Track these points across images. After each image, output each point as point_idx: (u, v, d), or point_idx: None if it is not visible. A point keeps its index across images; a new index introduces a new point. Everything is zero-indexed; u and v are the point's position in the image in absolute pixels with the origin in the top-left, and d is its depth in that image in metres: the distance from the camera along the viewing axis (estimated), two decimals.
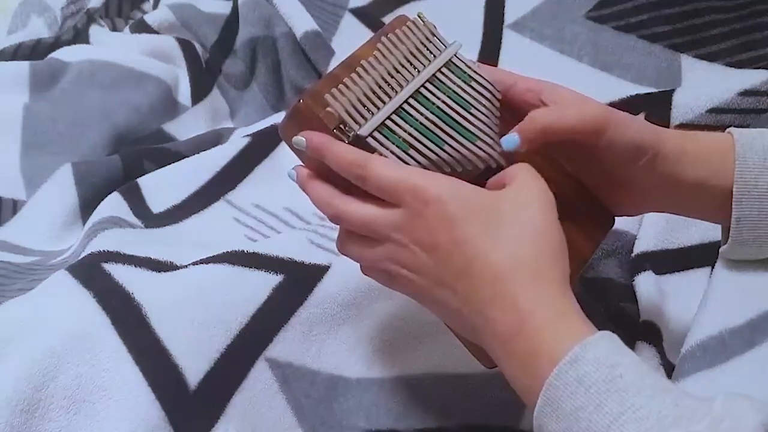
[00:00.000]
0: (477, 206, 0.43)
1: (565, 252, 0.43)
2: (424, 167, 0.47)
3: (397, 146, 0.47)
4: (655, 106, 0.76)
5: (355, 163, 0.46)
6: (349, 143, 0.46)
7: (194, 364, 0.54)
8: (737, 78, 0.76)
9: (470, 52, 0.90)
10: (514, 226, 0.43)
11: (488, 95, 0.51)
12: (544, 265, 0.42)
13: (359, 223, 0.46)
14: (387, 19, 0.97)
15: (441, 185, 0.44)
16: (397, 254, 0.46)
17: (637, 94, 0.78)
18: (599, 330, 0.40)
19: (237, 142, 0.81)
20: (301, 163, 0.50)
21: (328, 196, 0.48)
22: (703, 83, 0.80)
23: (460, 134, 0.49)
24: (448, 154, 0.48)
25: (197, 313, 0.56)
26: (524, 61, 0.86)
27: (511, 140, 0.48)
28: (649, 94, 0.78)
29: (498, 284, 0.42)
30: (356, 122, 0.46)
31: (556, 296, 0.41)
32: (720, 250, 0.54)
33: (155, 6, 1.06)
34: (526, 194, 0.44)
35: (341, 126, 0.46)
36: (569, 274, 0.43)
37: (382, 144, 0.46)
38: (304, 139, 0.47)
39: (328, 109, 0.46)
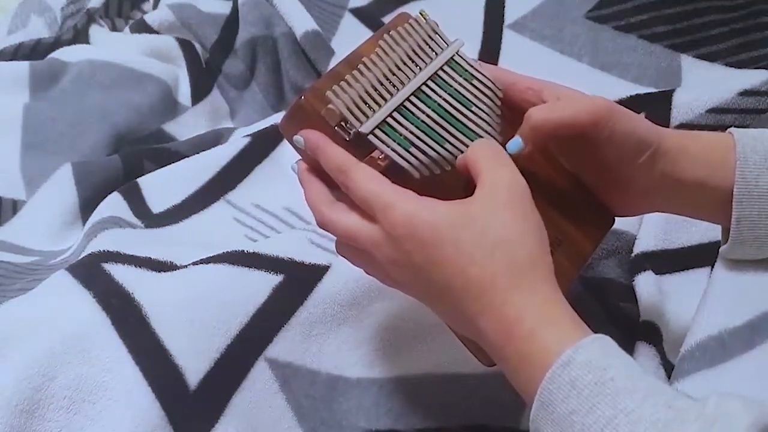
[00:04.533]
0: (448, 225, 0.42)
1: (545, 247, 0.43)
2: (425, 165, 0.47)
3: (398, 144, 0.47)
4: (655, 106, 0.76)
5: (341, 168, 0.45)
6: (350, 140, 0.46)
7: (194, 364, 0.54)
8: (737, 78, 0.76)
9: (470, 52, 0.90)
10: (488, 236, 0.42)
11: (490, 93, 0.51)
12: (522, 273, 0.42)
13: (342, 234, 0.47)
14: (387, 19, 0.97)
15: (409, 207, 0.43)
16: (382, 267, 0.46)
17: (637, 94, 0.78)
18: (596, 331, 0.40)
19: (237, 142, 0.81)
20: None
21: (318, 200, 0.48)
22: (703, 83, 0.80)
23: (461, 132, 0.49)
24: (449, 152, 0.48)
25: (197, 313, 0.56)
26: (524, 61, 0.86)
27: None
28: (649, 94, 0.78)
29: (482, 298, 0.42)
30: (357, 119, 0.46)
31: (541, 300, 0.41)
32: (720, 250, 0.54)
33: (155, 6, 1.06)
34: (492, 197, 0.43)
35: (342, 123, 0.46)
36: (554, 269, 0.43)
37: (383, 141, 0.46)
38: (302, 138, 0.47)
39: (330, 106, 0.46)
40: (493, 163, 0.45)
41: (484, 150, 0.46)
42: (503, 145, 0.48)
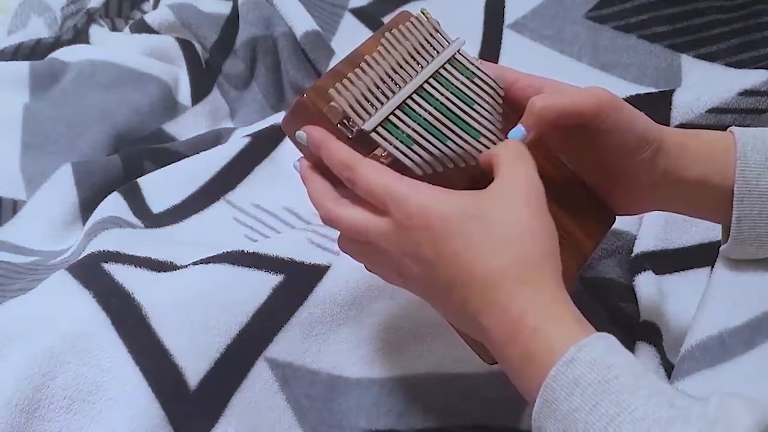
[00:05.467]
0: (460, 218, 0.42)
1: (555, 246, 0.43)
2: (428, 163, 0.47)
3: (401, 141, 0.47)
4: (655, 106, 0.76)
5: (347, 164, 0.45)
6: (352, 138, 0.46)
7: (194, 364, 0.54)
8: (737, 78, 0.76)
9: (470, 52, 0.89)
10: (499, 231, 0.42)
11: (491, 92, 0.51)
12: (532, 269, 0.41)
13: (349, 228, 0.46)
14: (387, 20, 0.97)
15: (423, 197, 0.43)
16: (389, 261, 0.46)
17: (637, 94, 0.78)
18: (597, 330, 0.40)
19: (237, 142, 0.81)
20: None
21: (322, 197, 0.48)
22: (703, 83, 0.80)
23: (463, 130, 0.49)
24: (452, 150, 0.48)
25: (197, 313, 0.56)
26: (524, 61, 0.85)
27: (517, 131, 0.48)
28: (649, 94, 0.78)
29: (488, 293, 0.41)
30: (360, 117, 0.46)
31: (546, 299, 0.41)
32: (720, 249, 0.54)
33: (155, 6, 1.06)
34: (510, 191, 0.43)
35: (345, 121, 0.46)
36: (561, 269, 0.43)
37: (385, 139, 0.46)
38: (305, 134, 0.47)
39: (332, 103, 0.46)
40: (513, 160, 0.45)
41: (508, 148, 0.46)
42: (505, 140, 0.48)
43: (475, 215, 0.42)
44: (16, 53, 0.97)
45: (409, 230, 0.43)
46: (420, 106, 0.48)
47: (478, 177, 0.47)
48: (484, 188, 0.44)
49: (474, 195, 0.43)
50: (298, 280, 0.60)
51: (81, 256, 0.62)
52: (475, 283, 0.42)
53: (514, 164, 0.45)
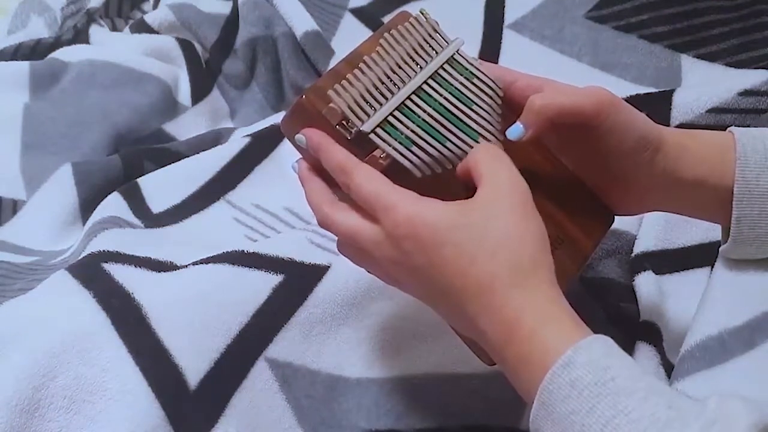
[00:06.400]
0: (449, 227, 0.42)
1: (545, 246, 0.43)
2: (427, 164, 0.47)
3: (399, 142, 0.47)
4: (655, 106, 0.76)
5: (343, 168, 0.45)
6: (351, 139, 0.46)
7: (194, 364, 0.54)
8: (737, 78, 0.76)
9: (470, 52, 0.89)
10: (489, 237, 0.42)
11: (490, 92, 0.51)
12: (524, 273, 0.41)
13: (343, 233, 0.46)
14: (387, 20, 0.97)
15: (410, 207, 0.43)
16: (383, 267, 0.46)
17: (637, 94, 0.78)
18: (596, 331, 0.40)
19: (237, 142, 0.81)
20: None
21: (319, 199, 0.48)
22: (703, 83, 0.80)
23: (462, 131, 0.49)
24: (451, 151, 0.48)
25: (197, 313, 0.56)
26: (524, 61, 0.86)
27: (516, 129, 0.48)
28: (649, 94, 0.78)
29: (482, 298, 0.41)
30: (359, 118, 0.46)
31: (541, 300, 0.41)
32: (720, 249, 0.54)
33: (155, 6, 1.07)
34: (496, 198, 0.43)
35: (344, 122, 0.46)
36: (554, 268, 0.43)
37: (384, 140, 0.46)
38: (304, 138, 0.47)
39: (331, 104, 0.46)
40: (494, 165, 0.45)
41: (484, 153, 0.46)
42: (504, 141, 0.48)
43: (463, 225, 0.42)
44: (16, 53, 0.97)
45: (398, 239, 0.43)
46: (419, 107, 0.48)
47: None
48: None
49: (461, 205, 0.43)
50: (298, 280, 0.60)
51: (81, 256, 0.62)
52: (469, 288, 0.42)
53: (493, 170, 0.44)
